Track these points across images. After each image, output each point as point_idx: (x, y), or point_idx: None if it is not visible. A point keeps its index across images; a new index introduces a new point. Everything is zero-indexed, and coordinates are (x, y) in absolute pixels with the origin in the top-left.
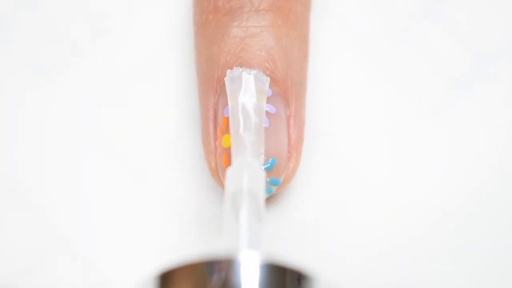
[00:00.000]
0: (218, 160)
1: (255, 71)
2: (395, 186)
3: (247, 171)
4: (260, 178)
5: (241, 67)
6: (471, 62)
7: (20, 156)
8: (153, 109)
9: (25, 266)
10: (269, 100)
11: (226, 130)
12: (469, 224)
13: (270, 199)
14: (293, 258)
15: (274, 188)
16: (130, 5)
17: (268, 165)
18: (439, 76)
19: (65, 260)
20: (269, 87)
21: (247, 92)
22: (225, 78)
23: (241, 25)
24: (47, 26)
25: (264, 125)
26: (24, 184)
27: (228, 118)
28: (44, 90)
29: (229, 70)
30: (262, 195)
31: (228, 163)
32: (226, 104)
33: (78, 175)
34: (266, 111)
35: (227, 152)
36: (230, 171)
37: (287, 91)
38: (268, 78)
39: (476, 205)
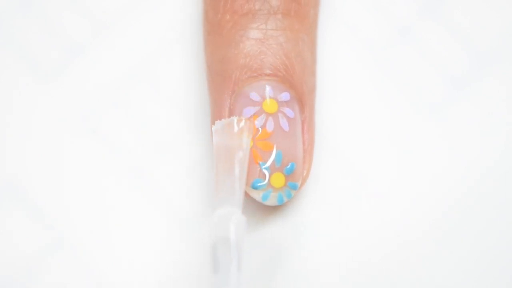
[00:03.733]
0: None
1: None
2: (397, 186)
3: (233, 221)
4: (243, 226)
5: (262, 69)
6: (471, 62)
7: (20, 156)
8: (155, 109)
9: (25, 267)
10: (287, 104)
11: None
12: (470, 224)
13: None
14: (295, 260)
15: (293, 193)
16: (131, 2)
17: (289, 168)
18: (439, 76)
19: (65, 260)
20: (287, 90)
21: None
22: (213, 127)
23: (260, 27)
24: (47, 25)
25: (285, 128)
26: (24, 184)
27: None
28: (44, 90)
29: (217, 121)
30: (244, 243)
31: (249, 165)
32: (244, 105)
33: (79, 175)
34: (286, 115)
35: None
36: (214, 219)
37: (303, 95)
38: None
39: (477, 205)
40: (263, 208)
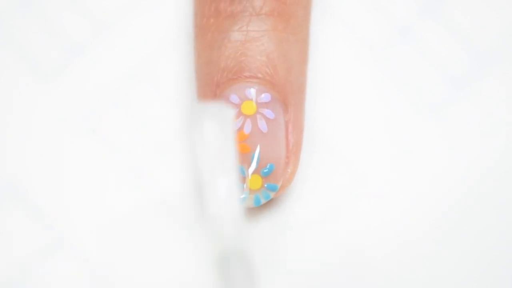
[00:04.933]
0: None
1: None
2: (395, 186)
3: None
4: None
5: (242, 72)
6: (471, 62)
7: (20, 156)
8: (155, 109)
9: (25, 267)
10: (268, 105)
11: None
12: (470, 224)
13: (271, 200)
14: (293, 260)
15: (271, 194)
16: (131, 2)
17: (266, 170)
18: (439, 76)
19: (65, 260)
20: (268, 91)
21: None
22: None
23: (242, 29)
24: (47, 25)
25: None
26: (24, 184)
27: None
28: (44, 90)
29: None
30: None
31: None
32: None
33: (79, 175)
34: (265, 116)
35: None
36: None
37: (286, 96)
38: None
39: (477, 205)
40: (261, 207)
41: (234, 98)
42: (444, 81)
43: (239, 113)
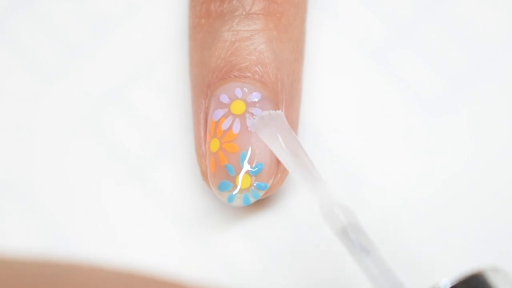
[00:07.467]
0: (207, 163)
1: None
2: (393, 186)
3: (340, 208)
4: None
5: (231, 71)
6: (471, 62)
7: (20, 156)
8: (155, 109)
9: None
10: (258, 104)
11: (214, 134)
12: (470, 225)
13: (268, 199)
14: (291, 261)
15: (261, 193)
16: (131, 6)
17: (256, 169)
18: (439, 76)
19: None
20: (258, 90)
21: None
22: (252, 129)
23: (232, 29)
24: (47, 26)
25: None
26: (25, 184)
27: (216, 122)
28: (44, 90)
29: (251, 124)
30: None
31: (216, 167)
32: (215, 108)
33: (79, 175)
34: (255, 115)
35: (215, 156)
36: (327, 210)
37: (277, 95)
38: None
39: (476, 206)
40: (259, 207)
41: (224, 97)
42: (444, 81)
43: (229, 113)
